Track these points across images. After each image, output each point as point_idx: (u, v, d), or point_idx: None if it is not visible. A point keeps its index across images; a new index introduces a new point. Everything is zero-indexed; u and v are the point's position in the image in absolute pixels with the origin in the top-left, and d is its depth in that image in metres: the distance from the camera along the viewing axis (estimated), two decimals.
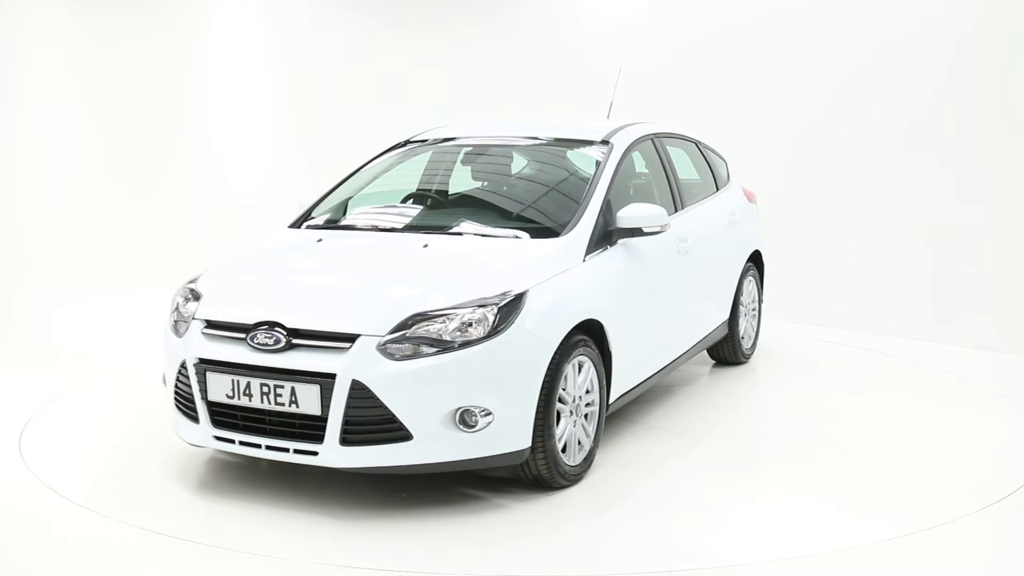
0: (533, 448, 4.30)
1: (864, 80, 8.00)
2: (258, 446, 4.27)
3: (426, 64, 9.63)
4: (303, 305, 4.35)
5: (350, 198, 5.63)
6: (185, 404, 4.51)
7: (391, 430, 4.08)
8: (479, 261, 4.61)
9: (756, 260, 6.89)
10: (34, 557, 3.97)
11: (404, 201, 5.62)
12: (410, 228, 5.14)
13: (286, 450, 4.21)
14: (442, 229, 5.04)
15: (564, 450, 4.48)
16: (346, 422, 4.09)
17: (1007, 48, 7.31)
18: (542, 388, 4.29)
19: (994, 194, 7.42)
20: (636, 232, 5.01)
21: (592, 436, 4.68)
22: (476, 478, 4.62)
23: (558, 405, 4.41)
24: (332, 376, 4.09)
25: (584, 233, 4.86)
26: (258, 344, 4.24)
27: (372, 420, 4.08)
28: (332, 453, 4.12)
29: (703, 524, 4.26)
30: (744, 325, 6.70)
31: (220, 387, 4.30)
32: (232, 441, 4.33)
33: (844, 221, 8.09)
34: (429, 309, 4.18)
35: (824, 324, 7.84)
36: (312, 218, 5.47)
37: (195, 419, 4.43)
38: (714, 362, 6.78)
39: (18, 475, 4.79)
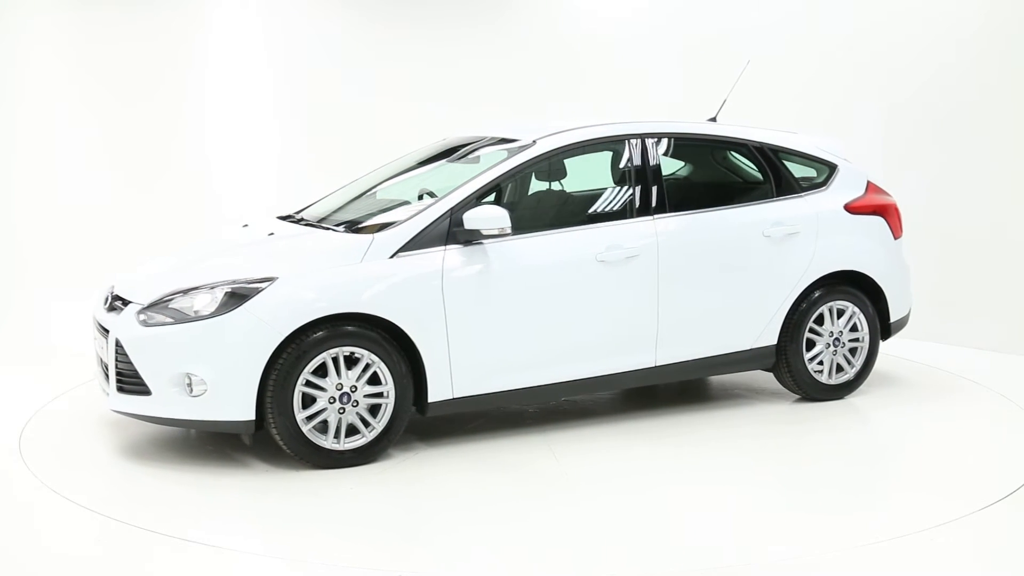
0: (265, 422, 4.71)
1: (864, 78, 8.00)
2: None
3: (434, 64, 9.59)
4: (136, 277, 5.17)
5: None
6: None
7: (138, 384, 4.79)
8: (269, 249, 5.15)
9: (863, 284, 5.97)
10: (34, 557, 3.96)
11: (420, 199, 5.78)
12: (301, 221, 5.54)
13: (107, 393, 5.02)
14: (320, 223, 5.41)
15: (325, 432, 4.79)
16: (118, 372, 4.87)
17: (1007, 46, 7.31)
18: (270, 369, 4.65)
19: (995, 194, 7.42)
20: (476, 234, 4.99)
21: (379, 428, 4.86)
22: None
23: (311, 390, 4.73)
24: (107, 333, 4.94)
25: (404, 231, 4.96)
26: (105, 305, 5.14)
27: (128, 373, 4.82)
28: (113, 398, 4.94)
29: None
30: (823, 355, 5.85)
31: (97, 339, 5.21)
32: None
33: None
34: (182, 286, 4.83)
35: None
36: (305, 209, 5.86)
37: None
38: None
39: (18, 475, 4.80)
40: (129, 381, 4.83)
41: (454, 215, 5.02)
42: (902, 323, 6.23)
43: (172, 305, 4.78)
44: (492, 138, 5.71)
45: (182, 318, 4.72)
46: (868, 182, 6.15)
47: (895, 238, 6.12)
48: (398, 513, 4.43)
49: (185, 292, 4.80)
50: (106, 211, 8.81)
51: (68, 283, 8.15)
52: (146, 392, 4.76)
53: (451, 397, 5.02)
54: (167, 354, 4.71)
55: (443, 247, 4.98)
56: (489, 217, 4.97)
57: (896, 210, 6.18)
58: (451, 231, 4.99)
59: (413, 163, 5.96)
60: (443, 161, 5.81)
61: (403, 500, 4.56)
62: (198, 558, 3.91)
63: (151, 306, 4.83)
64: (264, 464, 4.88)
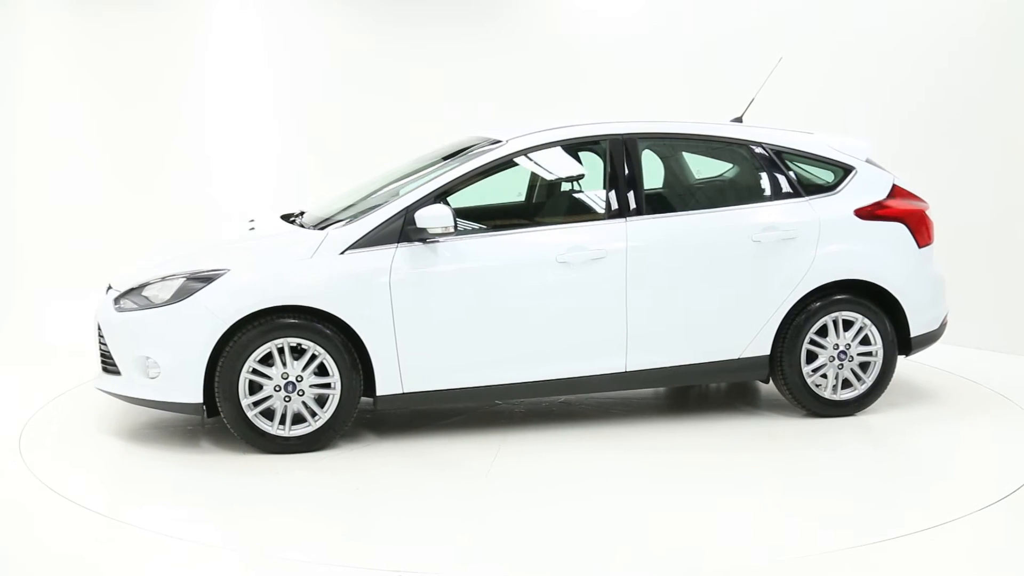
0: (214, 405, 4.96)
1: (863, 77, 8.00)
2: None
3: (434, 63, 9.58)
4: (132, 269, 5.40)
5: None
6: None
7: (112, 364, 5.15)
8: (238, 244, 5.37)
9: (879, 295, 5.60)
10: (34, 557, 3.96)
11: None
12: (297, 220, 5.63)
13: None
14: (323, 222, 5.37)
15: (271, 418, 4.98)
16: (100, 354, 5.24)
17: (1008, 45, 7.31)
18: (219, 355, 4.90)
19: (996, 194, 7.41)
20: (425, 233, 5.05)
21: (325, 418, 5.02)
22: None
23: (257, 378, 4.95)
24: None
25: (357, 229, 5.10)
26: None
27: (106, 354, 5.19)
28: (97, 378, 5.31)
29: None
30: (827, 368, 5.53)
31: None
32: None
33: None
34: (156, 276, 5.13)
35: None
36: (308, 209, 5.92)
37: None
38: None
39: (18, 475, 4.80)
40: (107, 362, 5.21)
41: (408, 214, 5.09)
42: (930, 338, 5.82)
43: (143, 293, 5.10)
44: (486, 139, 5.61)
45: (145, 305, 5.06)
46: (894, 186, 5.74)
47: (920, 246, 5.70)
48: (323, 499, 4.56)
49: (154, 281, 5.10)
50: (106, 211, 8.80)
51: (68, 283, 8.14)
52: (118, 373, 5.12)
53: (400, 392, 5.11)
54: (131, 338, 5.05)
55: (395, 245, 5.07)
56: (434, 216, 5.03)
57: (923, 216, 5.73)
58: (404, 229, 5.08)
59: (420, 164, 5.94)
60: (447, 163, 5.80)
61: (332, 487, 4.69)
62: (198, 557, 3.92)
63: (126, 293, 5.17)
64: (272, 467, 4.89)
